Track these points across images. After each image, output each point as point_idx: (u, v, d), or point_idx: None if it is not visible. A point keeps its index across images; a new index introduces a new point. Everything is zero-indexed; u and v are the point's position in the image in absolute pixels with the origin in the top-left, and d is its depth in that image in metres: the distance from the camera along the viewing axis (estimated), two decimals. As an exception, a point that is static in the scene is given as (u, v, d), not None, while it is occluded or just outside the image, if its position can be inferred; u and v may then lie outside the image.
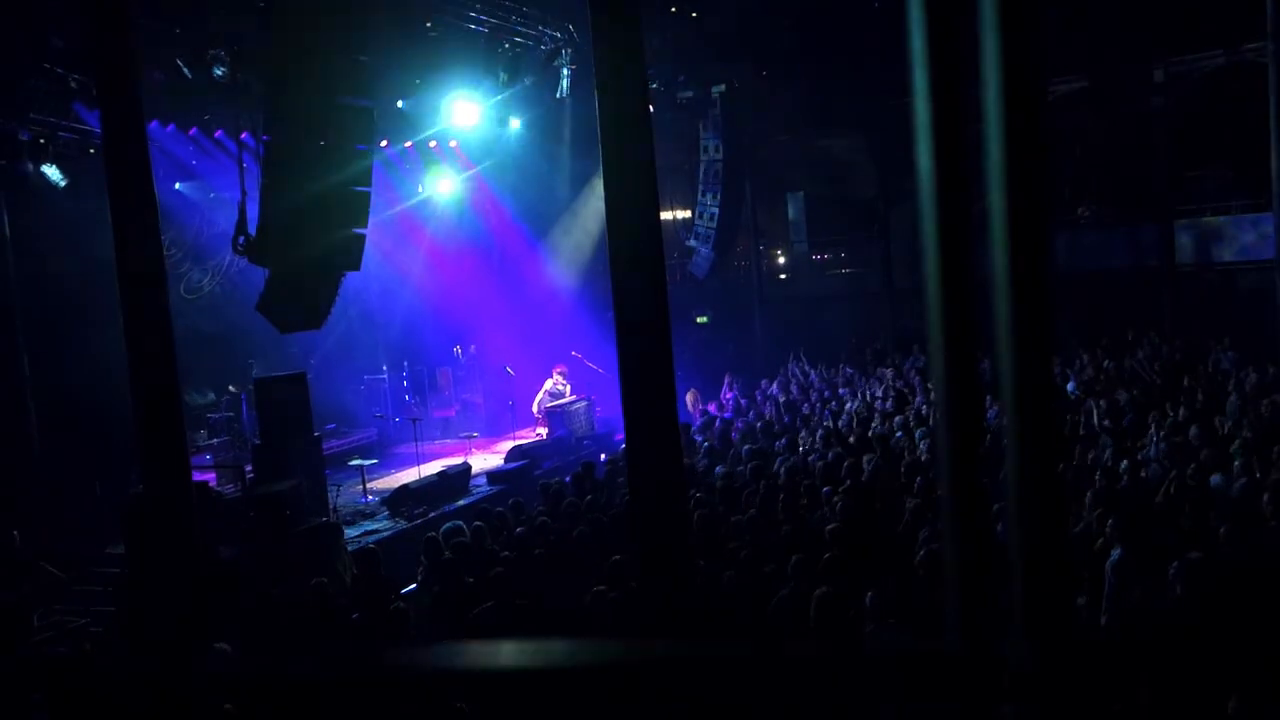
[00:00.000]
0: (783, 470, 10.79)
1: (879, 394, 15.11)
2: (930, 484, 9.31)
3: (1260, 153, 17.03)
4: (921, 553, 7.46)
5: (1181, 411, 11.44)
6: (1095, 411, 11.97)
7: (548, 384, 18.18)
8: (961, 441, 0.95)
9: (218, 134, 15.52)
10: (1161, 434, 10.56)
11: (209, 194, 16.77)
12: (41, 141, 13.70)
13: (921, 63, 0.91)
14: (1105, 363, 15.48)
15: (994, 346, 0.96)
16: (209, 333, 15.98)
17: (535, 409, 17.95)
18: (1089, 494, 8.43)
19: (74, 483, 13.51)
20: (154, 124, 14.43)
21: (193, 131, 15.48)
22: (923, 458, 10.87)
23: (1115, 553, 7.09)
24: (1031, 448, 0.93)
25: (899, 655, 1.05)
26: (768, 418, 15.00)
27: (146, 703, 1.49)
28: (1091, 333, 17.25)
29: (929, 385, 14.33)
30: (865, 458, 10.74)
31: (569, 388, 18.29)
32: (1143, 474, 9.39)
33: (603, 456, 14.11)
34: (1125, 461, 9.62)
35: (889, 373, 17.10)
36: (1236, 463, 8.95)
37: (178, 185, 16.74)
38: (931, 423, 12.13)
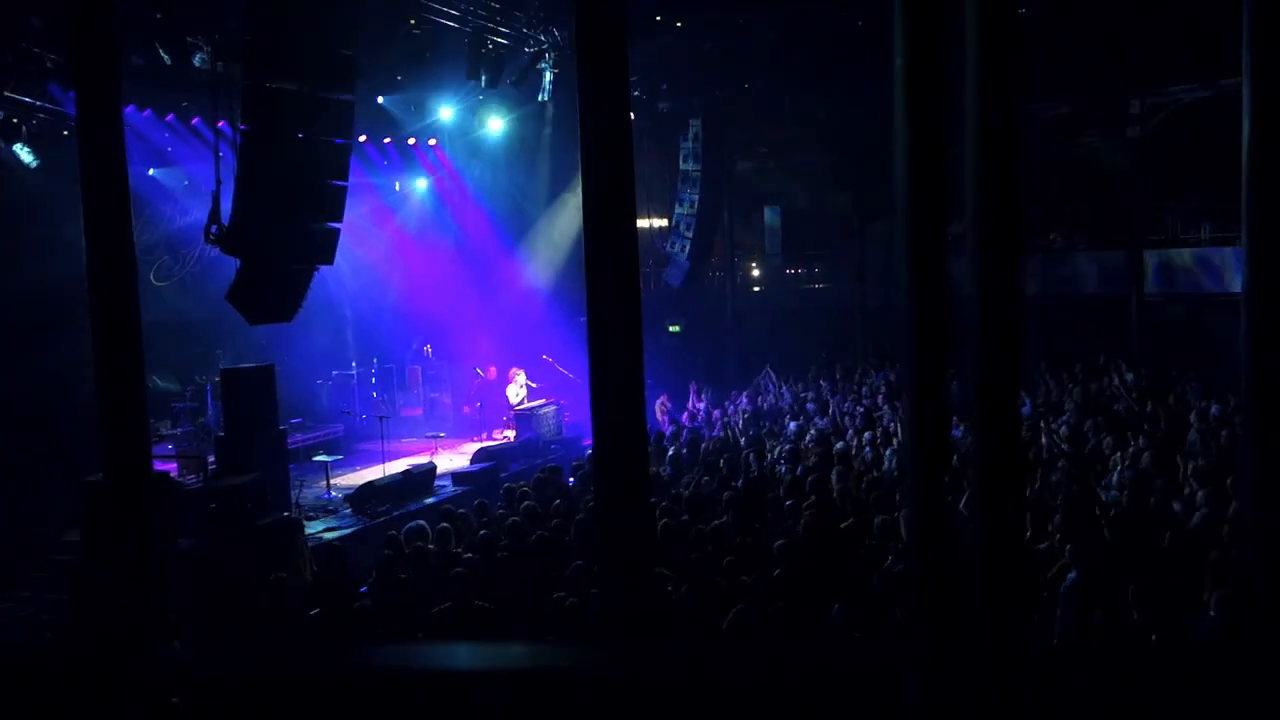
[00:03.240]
0: (748, 483, 10.81)
1: (848, 409, 15.17)
2: (894, 501, 9.36)
3: (1231, 187, 17.19)
4: (881, 569, 7.50)
5: (1143, 439, 11.55)
6: (1055, 435, 12.07)
7: (514, 391, 18.25)
8: (927, 460, 0.95)
9: (195, 121, 15.39)
10: (1125, 460, 10.66)
11: (183, 181, 16.64)
12: (14, 121, 13.53)
13: (902, 85, 0.92)
14: (1071, 386, 15.62)
15: (962, 366, 0.97)
16: (177, 321, 15.84)
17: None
18: (1056, 516, 8.49)
19: (31, 466, 13.32)
20: (130, 108, 14.30)
21: (169, 118, 15.35)
22: (889, 475, 10.92)
23: (1071, 575, 7.16)
24: (996, 468, 0.94)
25: (861, 668, 1.05)
26: (736, 429, 15.03)
27: (95, 693, 1.47)
28: (1058, 357, 17.40)
29: (897, 403, 14.41)
30: (832, 472, 10.78)
31: (525, 391, 18.35)
32: (1104, 499, 9.48)
33: (573, 464, 14.10)
34: (1080, 486, 9.71)
35: (859, 389, 17.17)
36: (1199, 493, 9.02)
37: (152, 171, 16.60)
38: (898, 440, 12.20)
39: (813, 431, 13.94)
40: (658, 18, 17.08)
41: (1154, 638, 6.36)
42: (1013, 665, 1.02)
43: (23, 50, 12.39)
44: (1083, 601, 6.88)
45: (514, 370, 18.66)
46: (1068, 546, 7.46)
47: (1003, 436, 0.95)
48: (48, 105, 13.68)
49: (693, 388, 18.30)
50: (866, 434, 13.09)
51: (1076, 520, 8.39)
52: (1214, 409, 12.59)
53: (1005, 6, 0.91)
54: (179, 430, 16.11)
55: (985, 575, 1.01)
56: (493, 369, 19.33)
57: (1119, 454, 10.99)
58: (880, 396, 15.78)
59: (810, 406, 16.19)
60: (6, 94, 13.14)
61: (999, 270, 0.93)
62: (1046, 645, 6.79)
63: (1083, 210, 21.18)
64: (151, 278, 16.82)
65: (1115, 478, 10.32)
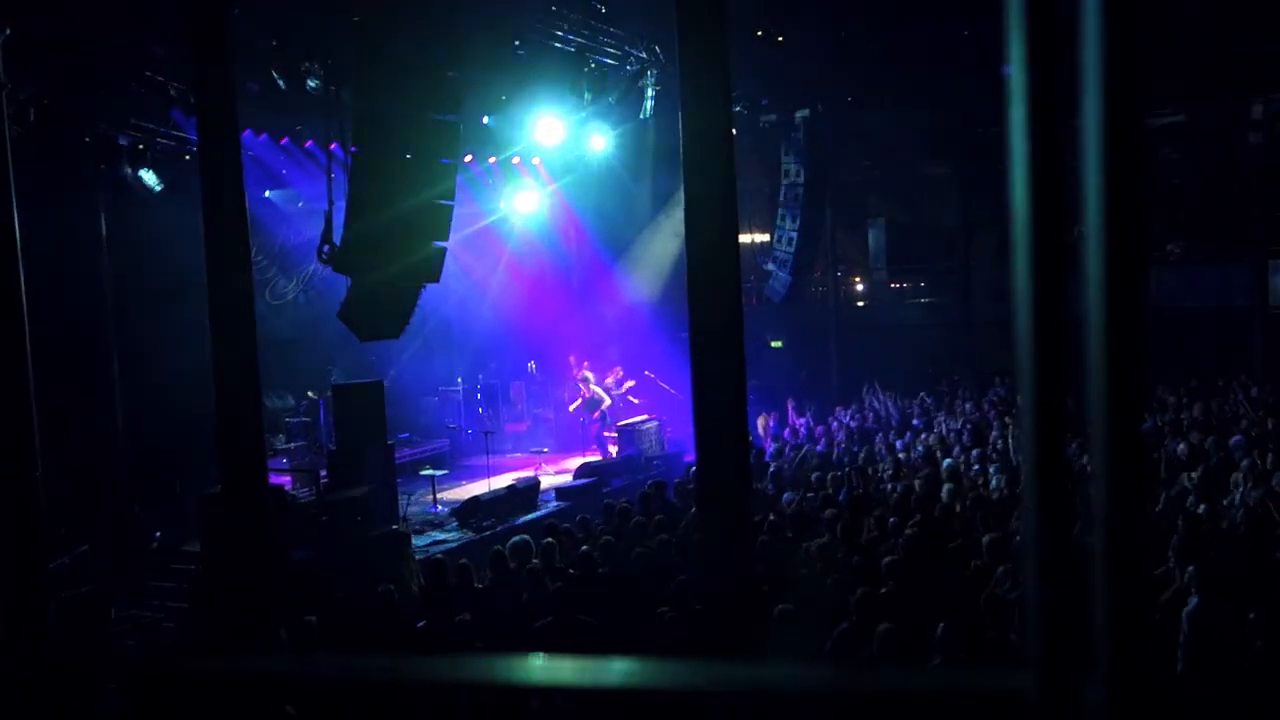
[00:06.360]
0: (853, 500, 10.66)
1: (956, 426, 14.86)
2: (1003, 520, 9.13)
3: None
4: (988, 591, 7.32)
5: (1270, 459, 11.06)
6: (1177, 453, 11.63)
7: (608, 380, 18.28)
8: (1046, 480, 0.92)
9: (308, 144, 15.86)
10: (1249, 481, 10.22)
11: (297, 203, 17.15)
12: (140, 147, 14.12)
13: (1018, 94, 0.89)
14: (1187, 400, 15.05)
15: (1082, 383, 0.93)
16: (291, 338, 16.31)
17: (587, 390, 18.10)
18: (1174, 538, 8.17)
19: (156, 480, 13.86)
20: (247, 133, 14.80)
21: (284, 141, 15.84)
22: (997, 494, 10.65)
23: (1193, 600, 6.88)
24: (1118, 488, 0.90)
25: (972, 692, 1.02)
26: (841, 445, 14.84)
27: (211, 700, 1.51)
28: (1177, 373, 16.77)
29: (1006, 419, 14.06)
30: (943, 490, 10.57)
31: (604, 393, 18.30)
32: (1225, 523, 9.10)
33: (676, 481, 14.07)
34: (1206, 506, 9.34)
35: (967, 405, 16.81)
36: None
37: (268, 193, 17.15)
38: (1009, 459, 11.91)
39: (919, 448, 13.69)
40: (759, 32, 17.03)
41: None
42: (1131, 692, 0.98)
43: (148, 79, 12.92)
44: (1209, 628, 6.60)
45: (614, 369, 18.73)
46: (1189, 570, 7.17)
47: (1127, 456, 0.92)
48: (171, 131, 14.25)
49: (790, 405, 18.12)
50: (974, 451, 12.80)
51: (1197, 543, 8.06)
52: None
53: (1125, 9, 0.89)
54: (293, 445, 16.57)
55: (1105, 602, 0.98)
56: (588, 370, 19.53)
57: (1242, 474, 10.53)
58: (991, 412, 15.42)
59: (916, 423, 15.91)
60: (132, 121, 13.73)
61: (1122, 281, 0.90)
62: (1170, 675, 6.54)
63: (1202, 220, 20.38)
64: (267, 296, 17.37)
65: (1238, 497, 9.90)
